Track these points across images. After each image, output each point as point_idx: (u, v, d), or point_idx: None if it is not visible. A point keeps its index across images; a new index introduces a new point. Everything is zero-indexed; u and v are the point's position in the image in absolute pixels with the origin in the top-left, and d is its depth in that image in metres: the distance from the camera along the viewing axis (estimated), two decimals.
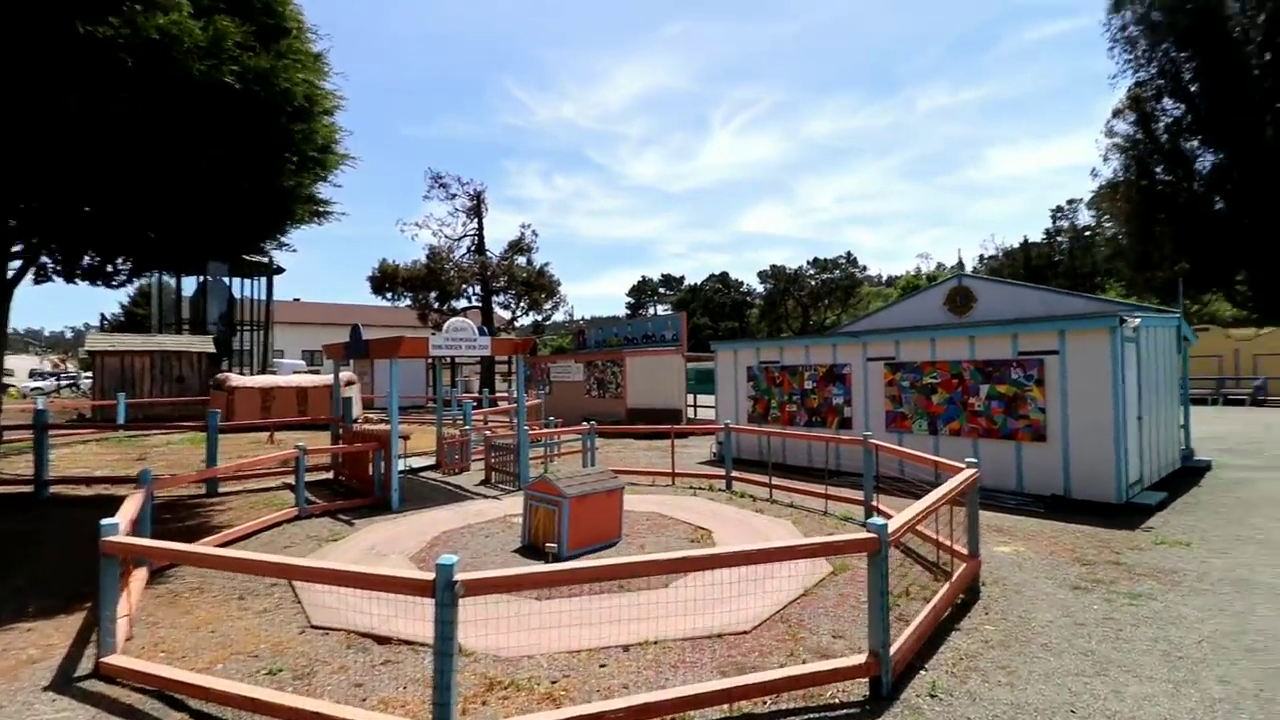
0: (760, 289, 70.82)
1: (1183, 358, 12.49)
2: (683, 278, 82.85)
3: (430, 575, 3.02)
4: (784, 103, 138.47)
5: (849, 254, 61.20)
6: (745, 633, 4.67)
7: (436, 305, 29.20)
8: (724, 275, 74.82)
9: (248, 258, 25.29)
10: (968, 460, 5.84)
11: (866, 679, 3.64)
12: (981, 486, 7.81)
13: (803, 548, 3.57)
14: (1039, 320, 9.87)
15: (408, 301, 29.43)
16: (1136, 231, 40.83)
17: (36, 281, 9.81)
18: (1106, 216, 47.93)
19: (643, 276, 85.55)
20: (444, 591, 2.97)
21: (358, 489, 9.84)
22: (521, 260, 31.42)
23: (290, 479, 10.86)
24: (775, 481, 9.64)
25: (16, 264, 9.18)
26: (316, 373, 28.67)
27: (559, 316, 37.60)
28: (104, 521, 3.88)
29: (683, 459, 13.81)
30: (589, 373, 21.44)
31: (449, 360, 31.93)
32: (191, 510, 9.07)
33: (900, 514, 4.20)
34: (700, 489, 10.29)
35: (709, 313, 71.88)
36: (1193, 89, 38.68)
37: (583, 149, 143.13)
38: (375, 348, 9.68)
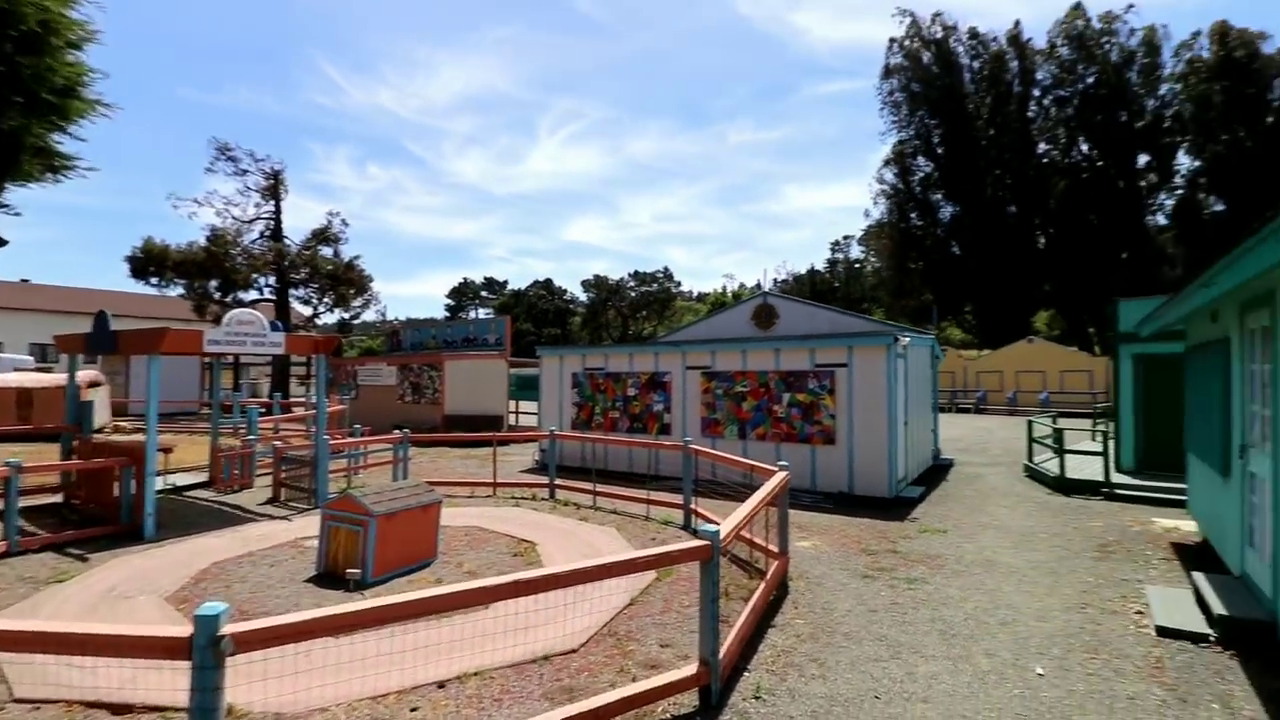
0: (584, 297, 71.78)
1: (934, 372, 14.81)
2: (506, 282, 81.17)
3: (182, 631, 2.40)
4: (609, 119, 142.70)
5: (666, 269, 64.74)
6: (574, 651, 4.48)
7: (218, 296, 25.22)
8: (548, 282, 74.66)
9: None
10: (780, 463, 6.24)
11: (697, 689, 3.64)
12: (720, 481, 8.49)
13: (641, 561, 3.48)
14: (831, 336, 11.04)
15: (180, 290, 24.99)
16: (895, 266, 48.26)
17: None
18: (873, 252, 55.94)
19: (464, 278, 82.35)
20: (204, 652, 2.36)
21: (98, 515, 8.01)
22: (327, 251, 28.41)
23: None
24: (599, 488, 9.61)
25: None
26: (49, 371, 23.23)
27: (370, 316, 34.69)
28: None
29: (505, 468, 13.32)
30: (403, 376, 19.91)
31: (233, 360, 27.83)
32: None
33: (728, 519, 4.31)
34: (523, 499, 9.93)
35: (532, 319, 71.16)
36: (939, 151, 46.76)
37: (401, 140, 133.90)
38: (128, 341, 7.98)
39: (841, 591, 5.72)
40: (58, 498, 9.00)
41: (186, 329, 7.88)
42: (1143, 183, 41.81)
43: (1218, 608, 4.52)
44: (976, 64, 45.51)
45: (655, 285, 63.97)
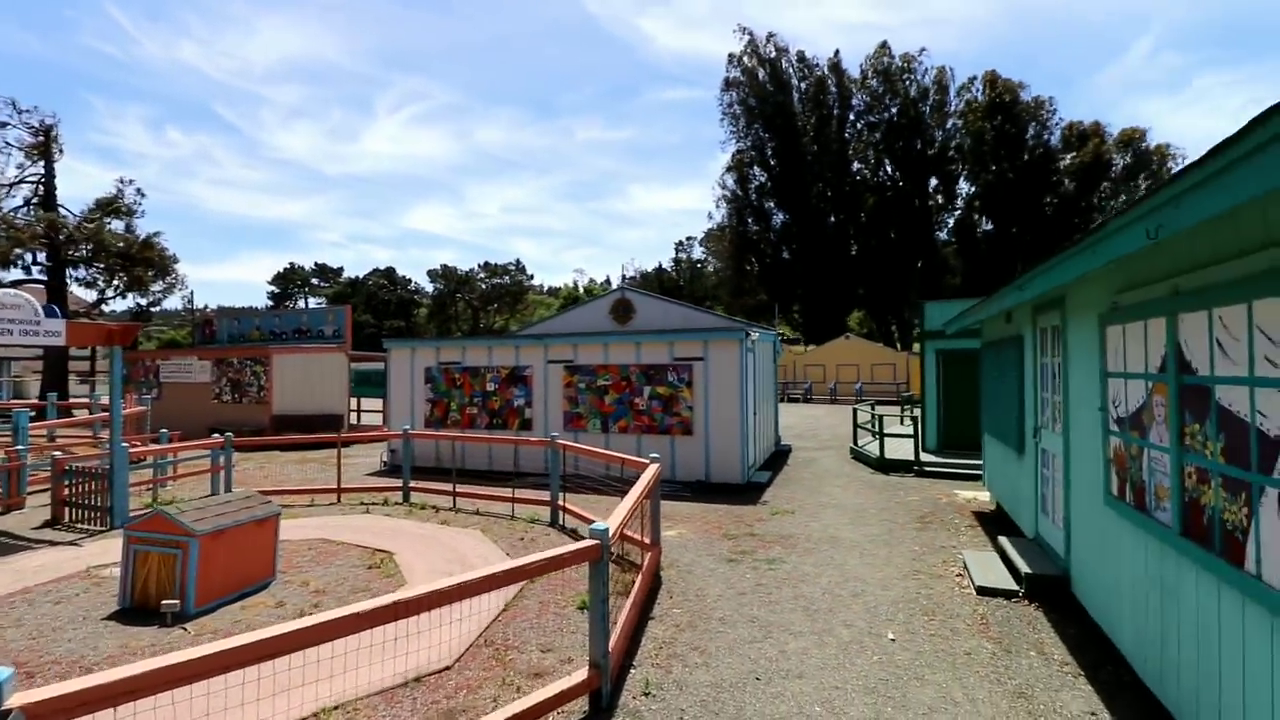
0: (430, 288, 68.09)
1: (776, 366, 15.98)
2: (341, 269, 74.56)
3: None
4: (456, 104, 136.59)
5: (518, 261, 63.16)
6: (448, 668, 4.18)
7: None
8: (390, 270, 69.77)
9: None
10: (650, 455, 6.32)
11: (588, 694, 3.55)
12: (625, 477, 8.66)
13: (532, 566, 3.31)
14: (689, 331, 11.45)
15: None
16: (734, 266, 51.50)
17: None
18: (714, 253, 59.17)
19: (291, 263, 74.37)
20: None
21: None
22: (117, 225, 24.11)
23: None
24: (459, 489, 9.14)
25: None
26: None
27: (174, 303, 30.12)
28: None
29: (349, 472, 12.28)
30: (220, 373, 17.49)
31: None
32: None
33: (612, 515, 4.25)
34: (374, 504, 9.17)
35: (372, 310, 66.13)
36: (772, 162, 50.48)
37: (211, 103, 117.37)
38: None
39: (710, 577, 5.93)
40: None
41: None
42: (932, 203, 48.26)
43: (1023, 567, 5.31)
44: (804, 85, 49.61)
45: (507, 278, 62.25)
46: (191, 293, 53.47)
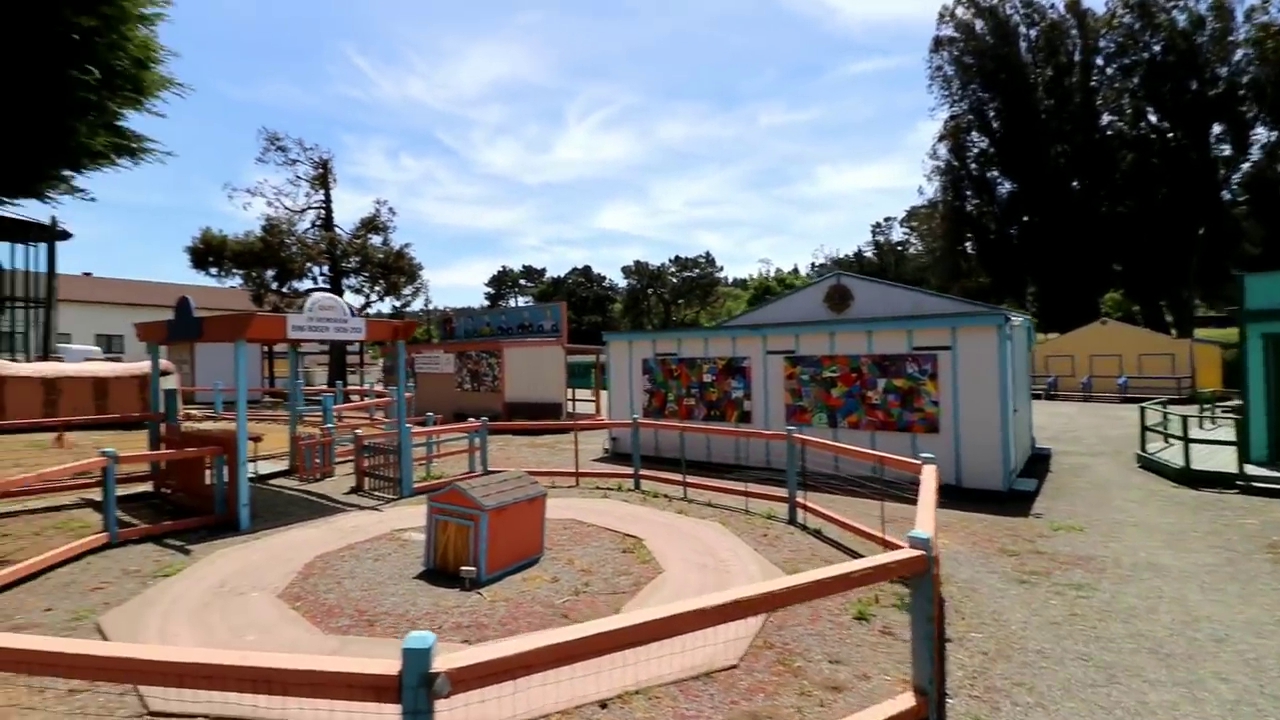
0: (623, 284, 71.26)
1: (1029, 356, 13.91)
2: (544, 270, 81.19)
3: (386, 666, 1.98)
4: (638, 105, 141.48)
5: (707, 254, 63.43)
6: (734, 666, 4.02)
7: (275, 285, 25.49)
8: (586, 269, 74.37)
9: (21, 216, 20.31)
10: (923, 455, 5.65)
11: None
12: (882, 478, 7.91)
13: (856, 574, 2.97)
14: (933, 317, 10.31)
15: (238, 280, 25.31)
16: (949, 246, 46.41)
17: None
18: (921, 233, 53.99)
19: (503, 267, 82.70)
20: (415, 693, 1.94)
21: (190, 505, 7.87)
22: (377, 240, 28.46)
23: (91, 492, 8.53)
24: (689, 479, 9.14)
25: None
26: (117, 360, 23.82)
27: (417, 305, 34.82)
28: None
29: (568, 456, 13.01)
30: (461, 364, 19.75)
31: (296, 346, 28.25)
32: None
33: (920, 521, 3.76)
34: (609, 490, 9.53)
35: (572, 306, 70.97)
36: (995, 125, 44.59)
37: (433, 130, 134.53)
38: (213, 327, 7.78)
39: (1003, 599, 5.14)
40: (147, 486, 8.94)
41: (271, 315, 7.64)
42: (1216, 155, 39.16)
43: None
44: (1033, 33, 43.11)
45: (697, 271, 62.96)
46: (429, 295, 61.45)
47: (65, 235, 22.41)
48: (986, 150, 44.28)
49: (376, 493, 9.18)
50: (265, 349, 24.64)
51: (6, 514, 7.76)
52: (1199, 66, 38.29)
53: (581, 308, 72.56)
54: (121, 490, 8.48)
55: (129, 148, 7.06)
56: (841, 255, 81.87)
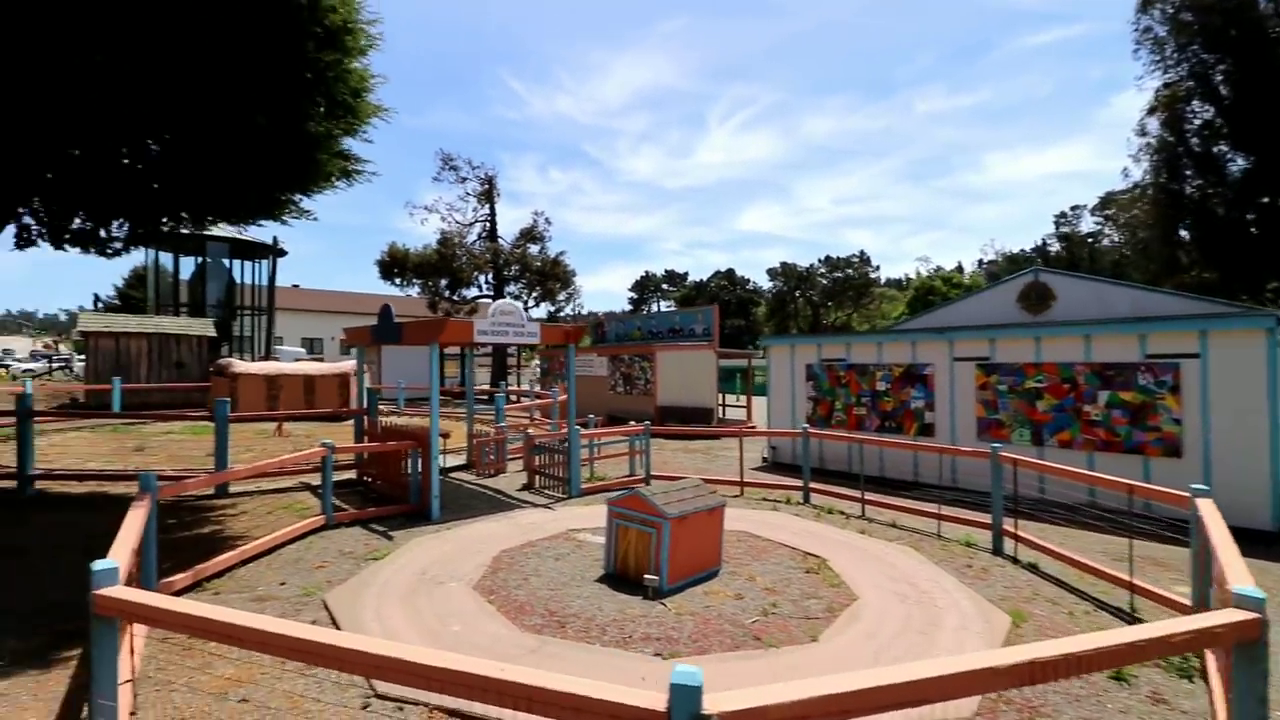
0: (767, 287, 69.62)
1: None
2: (686, 274, 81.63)
3: (655, 701, 1.75)
4: (782, 102, 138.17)
5: (862, 253, 59.88)
6: (975, 716, 3.43)
7: (447, 294, 27.80)
8: (730, 272, 73.64)
9: (250, 238, 23.88)
10: (1194, 487, 4.60)
11: None
12: (1095, 505, 6.66)
13: (1178, 639, 2.33)
14: (1174, 319, 8.66)
15: (415, 290, 27.98)
16: (1161, 236, 39.84)
17: (19, 246, 8.44)
18: (1130, 218, 46.91)
19: (646, 271, 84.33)
20: None
21: (388, 493, 8.56)
22: (534, 249, 30.07)
23: (307, 477, 9.58)
24: (868, 496, 8.41)
25: None
26: (320, 360, 27.26)
27: (569, 310, 36.34)
28: (96, 566, 2.59)
29: (723, 463, 12.66)
30: (614, 368, 20.16)
31: (472, 349, 30.70)
32: (200, 515, 7.76)
33: (1234, 572, 2.95)
34: (777, 502, 9.04)
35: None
36: (1223, 92, 37.64)
37: (580, 143, 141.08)
38: (412, 331, 8.39)
39: None
40: (350, 474, 9.90)
41: (462, 320, 8.11)
42: None
43: None
44: None
45: (849, 271, 59.80)
46: (582, 301, 63.99)
47: (283, 253, 26.14)
48: (1211, 122, 37.55)
49: (546, 491, 9.44)
50: (441, 350, 26.99)
51: (242, 493, 8.91)
52: None
53: (724, 311, 71.89)
54: (336, 476, 9.43)
55: (349, 170, 7.75)
56: (1012, 251, 74.03)
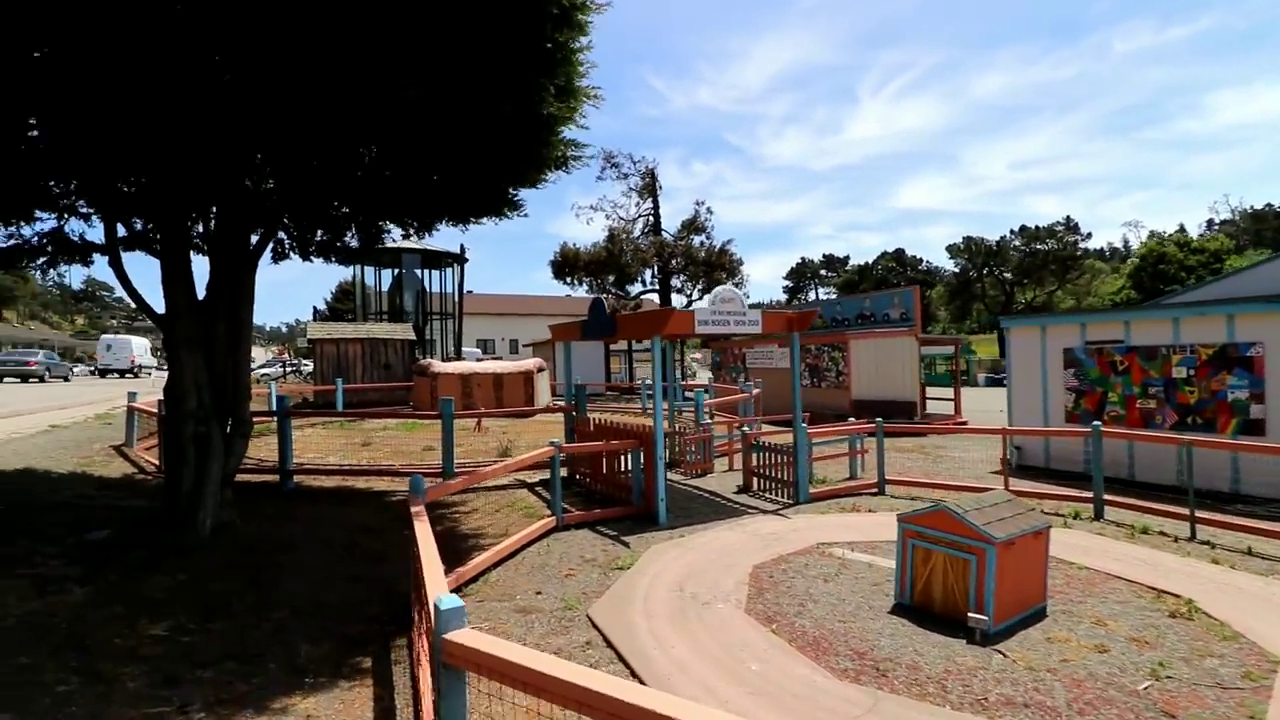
0: (946, 266, 63.33)
1: None
2: (847, 257, 76.83)
3: None
4: (944, 63, 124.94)
5: (1068, 219, 51.64)
6: None
7: (614, 290, 28.08)
8: (899, 252, 68.05)
9: (438, 248, 25.65)
10: None
11: None
12: None
13: None
14: None
15: (584, 289, 28.57)
16: None
17: (275, 259, 9.18)
18: None
19: (802, 258, 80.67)
20: None
21: (605, 493, 8.19)
22: (698, 240, 29.45)
23: (523, 474, 9.56)
24: (1198, 515, 6.57)
25: (254, 238, 8.50)
26: (499, 360, 28.78)
27: None
28: (442, 603, 2.10)
29: (951, 465, 11.04)
30: (800, 358, 18.85)
31: (673, 343, 30.84)
32: (437, 512, 7.87)
33: None
34: (1060, 515, 7.43)
35: None
36: None
37: (720, 133, 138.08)
38: (629, 324, 7.93)
39: None
40: (562, 472, 9.74)
41: (684, 311, 7.49)
42: None
43: None
44: None
45: (1051, 242, 52.01)
46: (748, 290, 62.54)
47: (466, 260, 27.79)
48: None
49: (768, 495, 8.59)
50: (607, 346, 27.31)
51: (467, 491, 9.03)
52: None
53: None
54: (536, 475, 9.29)
55: (570, 157, 7.40)
56: (1263, 206, 61.25)
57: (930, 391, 19.93)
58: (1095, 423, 7.94)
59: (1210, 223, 62.80)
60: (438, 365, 19.88)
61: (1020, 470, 10.75)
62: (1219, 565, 5.64)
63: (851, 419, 15.26)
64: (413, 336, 22.16)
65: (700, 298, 31.77)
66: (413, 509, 4.14)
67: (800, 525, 7.07)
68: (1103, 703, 3.44)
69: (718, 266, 27.87)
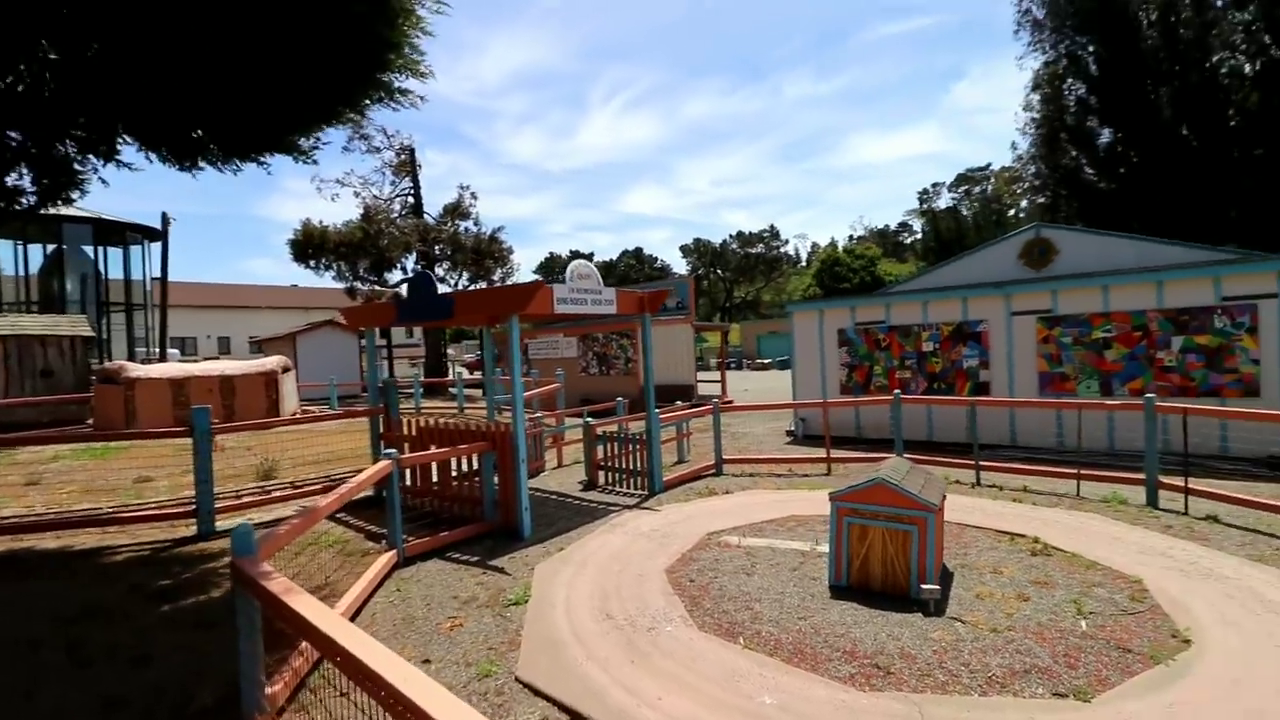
0: (678, 265, 69.65)
1: None
2: (592, 254, 79.96)
3: None
4: (662, 84, 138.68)
5: (773, 227, 60.95)
6: None
7: (372, 277, 24.69)
8: (638, 251, 72.91)
9: (120, 219, 19.80)
10: None
11: None
12: (1175, 452, 6.45)
13: None
14: (1249, 261, 8.69)
15: (330, 275, 24.51)
16: (1047, 204, 43.63)
17: None
18: (1015, 190, 50.93)
19: (550, 253, 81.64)
20: None
21: (448, 512, 6.79)
22: (466, 226, 27.46)
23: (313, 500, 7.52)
24: (983, 463, 7.79)
25: None
26: (228, 360, 23.33)
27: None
28: None
29: (748, 440, 11.83)
30: (585, 348, 18.61)
31: (384, 334, 27.41)
32: (203, 571, 5.67)
33: None
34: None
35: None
36: (1093, 70, 41.43)
37: (458, 125, 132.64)
38: (476, 302, 6.62)
39: None
40: (370, 491, 7.92)
41: (549, 285, 6.41)
42: None
43: None
44: None
45: (761, 246, 60.68)
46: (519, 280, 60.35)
47: (171, 224, 21.47)
48: (1084, 99, 41.30)
49: (618, 489, 8.02)
50: (360, 336, 23.92)
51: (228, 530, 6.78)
52: None
53: None
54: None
55: (415, 62, 5.76)
56: (882, 226, 79.01)
57: (701, 375, 21.38)
58: (896, 391, 9.00)
59: (850, 237, 79.20)
60: (134, 369, 15.15)
61: (806, 439, 11.89)
62: (1022, 504, 6.67)
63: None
64: (88, 331, 16.58)
65: (469, 287, 29.77)
66: (249, 572, 2.66)
67: (675, 517, 6.65)
68: (1076, 651, 3.59)
69: (487, 255, 26.23)
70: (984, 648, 3.66)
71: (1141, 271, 9.41)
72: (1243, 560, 4.89)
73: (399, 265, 25.88)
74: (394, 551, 5.47)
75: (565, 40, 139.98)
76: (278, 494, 7.66)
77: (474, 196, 28.20)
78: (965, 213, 66.38)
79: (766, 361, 42.05)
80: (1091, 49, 40.40)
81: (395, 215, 26.00)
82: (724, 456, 9.19)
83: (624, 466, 8.01)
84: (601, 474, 8.26)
